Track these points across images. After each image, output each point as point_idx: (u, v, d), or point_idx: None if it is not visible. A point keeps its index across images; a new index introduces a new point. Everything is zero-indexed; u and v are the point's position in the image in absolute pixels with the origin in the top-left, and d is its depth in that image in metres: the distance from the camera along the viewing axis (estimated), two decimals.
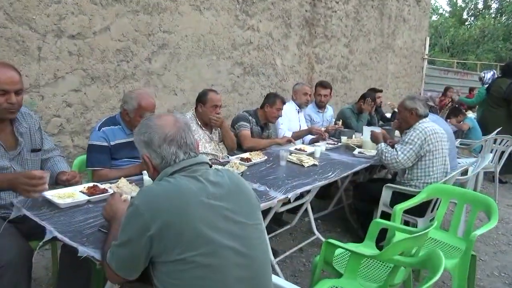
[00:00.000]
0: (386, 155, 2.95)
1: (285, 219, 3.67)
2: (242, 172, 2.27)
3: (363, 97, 4.67)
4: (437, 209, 2.91)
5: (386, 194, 2.99)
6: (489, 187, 5.16)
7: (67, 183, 1.89)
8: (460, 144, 5.04)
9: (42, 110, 2.81)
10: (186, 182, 1.18)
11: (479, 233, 2.22)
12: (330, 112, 4.74)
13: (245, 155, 2.91)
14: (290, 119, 4.05)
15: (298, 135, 4.06)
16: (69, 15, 2.85)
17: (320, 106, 4.52)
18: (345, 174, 2.82)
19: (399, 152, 2.88)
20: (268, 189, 2.30)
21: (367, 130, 3.55)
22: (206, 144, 3.07)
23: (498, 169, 4.82)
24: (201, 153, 3.02)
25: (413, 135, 2.87)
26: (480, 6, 27.89)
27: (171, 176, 1.21)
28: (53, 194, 1.73)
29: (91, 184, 1.90)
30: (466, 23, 26.94)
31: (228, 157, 2.90)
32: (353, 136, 4.06)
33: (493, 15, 26.67)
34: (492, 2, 27.48)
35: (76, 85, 2.98)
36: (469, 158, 4.85)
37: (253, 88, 4.79)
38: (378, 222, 2.36)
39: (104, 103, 3.17)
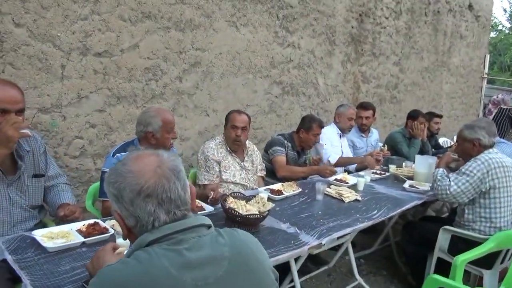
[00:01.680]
0: (439, 183, 2.50)
1: (323, 256, 3.26)
2: (268, 211, 1.94)
3: (411, 117, 4.19)
4: (509, 260, 2.40)
5: (443, 238, 2.52)
6: None
7: (65, 219, 1.65)
8: None
9: (64, 131, 2.66)
10: (163, 262, 0.84)
11: None
12: (375, 136, 4.29)
13: (276, 186, 2.58)
14: (331, 144, 3.66)
15: (347, 162, 3.65)
16: (95, 32, 2.72)
17: (363, 130, 4.10)
18: (393, 214, 2.40)
19: (452, 183, 2.41)
20: (298, 231, 1.95)
21: (420, 160, 3.10)
22: (236, 172, 2.78)
23: None
24: (230, 182, 2.74)
25: (472, 165, 2.40)
26: None
27: (146, 249, 0.87)
28: (43, 234, 1.50)
29: (92, 221, 1.66)
30: None
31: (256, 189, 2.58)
32: (403, 164, 3.60)
33: None
34: None
35: (101, 105, 2.82)
36: None
37: (292, 109, 4.47)
38: (435, 279, 1.91)
39: (130, 124, 2.98)
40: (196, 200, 2.16)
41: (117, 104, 2.92)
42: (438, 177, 2.54)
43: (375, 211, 2.36)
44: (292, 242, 1.81)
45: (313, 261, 3.12)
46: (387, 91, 6.14)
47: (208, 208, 2.06)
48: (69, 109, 2.67)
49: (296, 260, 2.25)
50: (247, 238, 1.01)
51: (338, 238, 2.01)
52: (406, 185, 2.95)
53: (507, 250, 2.38)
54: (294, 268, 2.18)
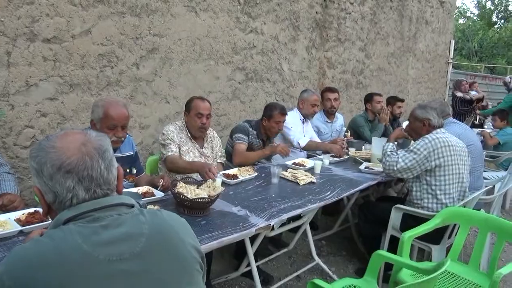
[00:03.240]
0: (388, 158, 2.58)
1: (285, 239, 3.33)
2: (217, 194, 1.95)
3: (368, 100, 4.30)
4: (456, 235, 2.51)
5: (395, 217, 2.61)
6: None
7: (4, 209, 1.62)
8: (486, 156, 4.54)
9: (12, 120, 2.58)
10: (76, 239, 0.83)
11: (505, 272, 1.81)
12: (340, 121, 4.35)
13: (233, 170, 2.59)
14: (296, 129, 3.67)
15: (316, 146, 3.64)
16: (43, 17, 2.62)
17: (330, 113, 4.14)
18: (345, 194, 2.46)
19: (400, 159, 2.50)
20: (249, 213, 1.97)
21: (377, 142, 3.17)
22: (195, 159, 2.77)
23: None
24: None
25: (420, 144, 2.49)
26: (511, 8, 26.68)
27: (61, 228, 0.86)
28: None
29: (32, 210, 1.63)
30: (496, 26, 25.80)
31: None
32: (363, 148, 3.67)
33: None
34: None
35: (52, 93, 2.74)
36: (497, 172, 4.36)
37: (256, 95, 4.47)
38: (380, 254, 1.98)
39: (84, 112, 2.92)
40: (147, 187, 2.15)
41: (70, 92, 2.84)
42: (388, 152, 2.62)
43: (328, 192, 2.41)
44: (241, 224, 1.83)
45: (274, 244, 3.18)
46: (353, 77, 6.22)
47: (158, 194, 2.06)
48: (17, 98, 2.58)
49: (253, 243, 2.29)
50: (170, 217, 1.01)
51: (291, 220, 2.04)
52: (362, 166, 3.02)
53: (454, 226, 2.48)
54: (250, 251, 2.22)
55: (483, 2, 27.33)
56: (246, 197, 2.23)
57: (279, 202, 2.17)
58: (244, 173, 2.56)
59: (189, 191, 1.91)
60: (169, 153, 2.60)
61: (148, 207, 1.32)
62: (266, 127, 3.11)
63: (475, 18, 27.50)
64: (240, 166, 2.82)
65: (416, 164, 2.46)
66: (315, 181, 2.59)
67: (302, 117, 3.71)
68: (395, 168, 2.51)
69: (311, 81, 5.31)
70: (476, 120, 6.30)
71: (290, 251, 3.08)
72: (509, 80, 5.56)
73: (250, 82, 4.37)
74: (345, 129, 4.42)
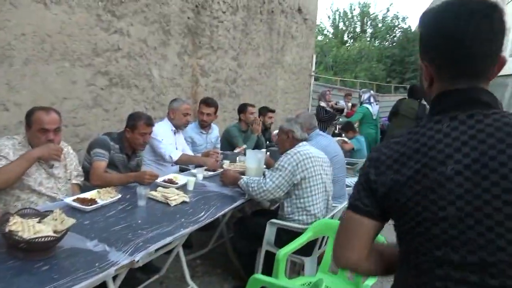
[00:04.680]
0: (252, 185, 2.54)
1: (156, 262, 3.02)
2: (67, 229, 1.58)
3: (241, 110, 4.34)
4: (325, 245, 2.59)
5: (270, 232, 2.57)
6: None
7: None
8: (347, 164, 4.99)
9: None
10: None
11: (371, 283, 1.89)
12: (215, 132, 4.21)
13: (90, 193, 2.20)
14: (167, 142, 3.38)
15: (188, 160, 3.40)
16: None
17: (203, 126, 3.97)
18: (220, 213, 2.31)
19: (268, 179, 2.49)
20: (108, 248, 1.65)
21: (251, 154, 3.12)
22: (43, 180, 2.28)
23: None
24: (34, 191, 2.24)
25: (283, 160, 2.52)
26: (358, 30, 30.90)
27: None
28: None
29: None
30: (347, 45, 29.54)
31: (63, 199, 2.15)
32: (237, 159, 3.61)
33: (368, 39, 29.76)
34: (367, 27, 30.69)
35: None
36: (354, 178, 4.81)
37: (122, 103, 4.04)
38: (256, 279, 1.88)
39: None
40: None
41: None
42: (248, 182, 2.57)
43: (203, 213, 2.23)
44: (97, 264, 1.51)
45: (143, 270, 2.86)
46: (226, 85, 6.21)
47: None
48: None
49: (115, 278, 1.95)
50: None
51: (157, 250, 1.79)
52: None
53: (324, 237, 2.56)
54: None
55: (337, 22, 31.04)
56: (105, 226, 1.89)
57: (146, 229, 1.89)
58: (105, 196, 2.19)
59: (26, 228, 1.51)
60: None
61: None
62: (130, 139, 2.76)
63: (331, 36, 31.04)
64: (99, 187, 2.43)
65: (284, 181, 2.47)
66: (188, 200, 2.38)
67: (174, 128, 3.46)
68: (265, 188, 2.46)
69: (183, 89, 5.09)
70: (336, 130, 6.93)
71: (163, 276, 2.80)
72: (361, 95, 6.26)
73: (115, 88, 3.93)
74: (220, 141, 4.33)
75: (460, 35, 0.82)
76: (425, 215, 0.81)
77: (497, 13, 0.82)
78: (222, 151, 3.69)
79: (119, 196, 2.26)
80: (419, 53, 0.93)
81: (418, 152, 0.84)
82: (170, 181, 2.67)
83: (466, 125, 0.82)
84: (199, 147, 3.95)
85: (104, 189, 2.27)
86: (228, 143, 4.29)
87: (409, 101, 5.21)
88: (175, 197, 2.33)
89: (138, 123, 2.71)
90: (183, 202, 2.35)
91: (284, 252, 2.16)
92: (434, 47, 0.88)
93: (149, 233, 1.85)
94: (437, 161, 0.81)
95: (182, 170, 3.52)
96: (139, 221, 2.00)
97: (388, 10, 33.69)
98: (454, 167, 0.79)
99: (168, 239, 1.84)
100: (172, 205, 2.27)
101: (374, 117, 6.14)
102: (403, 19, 31.47)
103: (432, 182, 0.80)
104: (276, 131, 6.54)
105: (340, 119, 8.29)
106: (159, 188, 2.49)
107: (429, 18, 0.89)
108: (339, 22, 31.04)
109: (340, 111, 7.48)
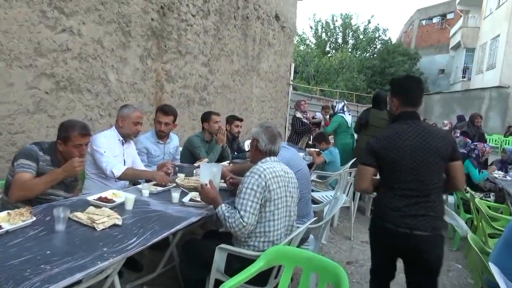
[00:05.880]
0: (230, 220, 2.18)
1: None
2: None
3: (205, 119, 4.03)
4: (282, 275, 2.27)
5: (219, 258, 2.24)
6: (346, 220, 4.91)
7: None
8: (317, 177, 4.71)
9: None
10: None
11: None
12: (174, 142, 3.84)
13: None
14: (112, 153, 3.01)
15: (135, 175, 3.03)
16: None
17: (161, 136, 3.61)
18: (154, 240, 1.96)
19: (242, 212, 2.14)
20: None
21: (205, 168, 2.77)
22: None
23: (355, 205, 4.60)
24: None
25: (251, 182, 2.18)
26: (340, 40, 31.09)
27: None
28: None
29: None
30: (329, 55, 29.65)
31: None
32: (194, 172, 3.27)
33: (350, 50, 29.96)
34: (349, 38, 30.92)
35: None
36: (326, 192, 4.53)
37: (72, 109, 3.68)
38: None
39: None
40: None
41: None
42: (226, 214, 2.21)
43: (134, 239, 1.88)
44: None
45: None
46: (196, 92, 5.90)
47: None
48: None
49: None
50: None
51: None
52: (186, 198, 2.59)
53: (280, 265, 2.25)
54: None
55: (319, 33, 31.17)
56: (2, 259, 1.53)
57: (52, 263, 1.54)
58: (16, 219, 1.83)
59: None
60: None
61: None
62: (64, 153, 2.39)
63: (313, 46, 31.12)
64: (19, 200, 2.07)
65: (255, 204, 2.15)
66: (120, 223, 2.03)
67: (121, 138, 3.10)
68: (244, 224, 2.12)
69: (146, 95, 4.75)
70: (310, 141, 6.67)
71: None
72: (335, 105, 6.03)
73: (63, 93, 3.57)
74: (180, 150, 3.99)
75: (411, 89, 2.21)
76: (395, 165, 2.09)
77: (423, 82, 2.38)
78: (177, 164, 3.35)
79: (34, 219, 1.89)
80: (391, 93, 2.27)
81: (395, 135, 2.11)
82: (106, 199, 2.31)
83: (413, 125, 2.12)
84: (156, 158, 3.60)
85: (17, 210, 1.91)
86: (190, 154, 3.95)
87: (376, 112, 5.18)
88: (104, 219, 1.98)
89: (71, 134, 2.35)
90: (114, 226, 2.00)
91: (229, 286, 1.84)
92: (400, 93, 2.21)
93: (54, 269, 1.50)
94: (402, 140, 2.09)
95: (135, 184, 3.17)
96: (48, 252, 1.64)
97: (369, 22, 34.00)
98: (409, 143, 2.07)
99: (76, 276, 1.49)
100: (98, 229, 1.91)
101: (350, 126, 5.92)
102: (384, 31, 31.83)
103: (399, 150, 2.08)
104: (248, 141, 6.25)
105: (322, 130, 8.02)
106: (90, 208, 2.14)
107: (399, 81, 2.28)
108: (321, 32, 31.19)
109: (317, 124, 7.23)
